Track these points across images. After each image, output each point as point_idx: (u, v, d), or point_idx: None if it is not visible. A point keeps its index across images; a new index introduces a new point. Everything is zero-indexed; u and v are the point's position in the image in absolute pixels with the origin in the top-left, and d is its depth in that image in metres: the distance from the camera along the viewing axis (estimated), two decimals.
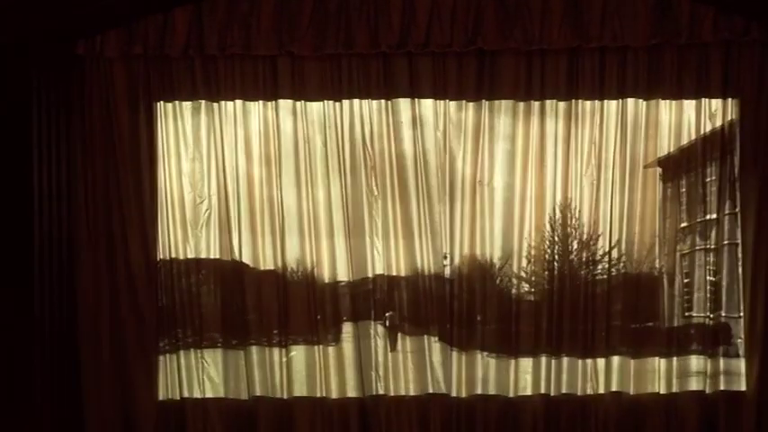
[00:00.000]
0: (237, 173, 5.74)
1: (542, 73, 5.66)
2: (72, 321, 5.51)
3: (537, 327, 5.69)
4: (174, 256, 5.74)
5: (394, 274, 5.75)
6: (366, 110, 5.73)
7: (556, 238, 5.77)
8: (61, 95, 5.49)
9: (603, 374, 5.67)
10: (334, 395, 5.71)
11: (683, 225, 5.83)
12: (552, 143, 5.72)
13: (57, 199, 5.38)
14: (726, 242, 5.74)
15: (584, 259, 5.76)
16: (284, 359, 5.72)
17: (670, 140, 5.76)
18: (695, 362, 5.72)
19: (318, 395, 5.70)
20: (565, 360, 5.67)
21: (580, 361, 5.68)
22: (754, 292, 5.60)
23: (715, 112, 5.73)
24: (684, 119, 5.74)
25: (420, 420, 5.68)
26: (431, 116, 5.74)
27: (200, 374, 5.74)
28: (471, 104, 5.72)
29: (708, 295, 5.74)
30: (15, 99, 5.12)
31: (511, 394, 5.70)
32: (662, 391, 5.66)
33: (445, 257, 5.74)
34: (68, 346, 5.48)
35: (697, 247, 5.79)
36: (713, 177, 5.75)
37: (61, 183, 5.44)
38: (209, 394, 5.74)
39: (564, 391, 5.67)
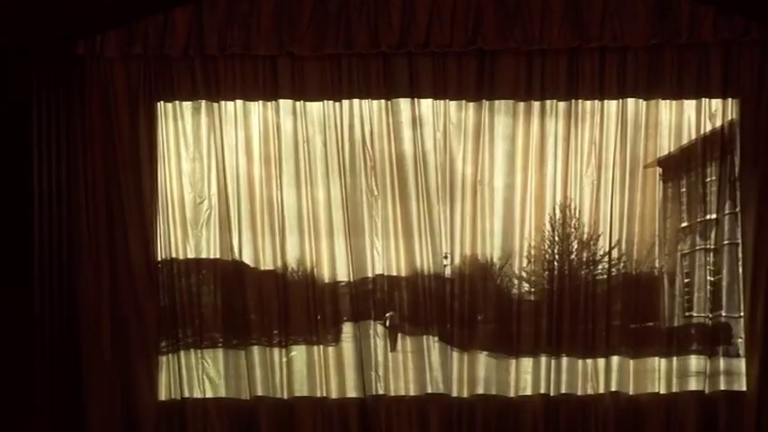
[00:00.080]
0: (237, 173, 5.74)
1: (542, 73, 5.66)
2: (72, 321, 5.51)
3: (537, 327, 5.69)
4: (174, 256, 5.74)
5: (394, 274, 5.75)
6: (366, 110, 5.73)
7: (556, 238, 5.77)
8: (61, 95, 5.49)
9: (603, 374, 5.67)
10: (334, 395, 5.70)
11: (684, 225, 5.83)
12: (552, 143, 5.72)
13: (57, 199, 5.38)
14: (726, 242, 5.74)
15: (584, 259, 5.76)
16: (284, 359, 5.72)
17: (670, 140, 5.76)
18: (695, 362, 5.72)
19: (318, 395, 5.70)
20: (565, 360, 5.67)
21: (580, 361, 5.68)
22: (754, 291, 5.60)
23: (715, 112, 5.73)
24: (684, 119, 5.74)
25: (420, 420, 5.68)
26: (431, 116, 5.73)
27: (200, 374, 5.74)
28: (471, 104, 5.72)
29: (708, 295, 5.73)
30: (15, 99, 5.12)
31: (511, 394, 5.69)
32: (662, 391, 5.66)
33: (445, 257, 5.74)
34: (68, 346, 5.47)
35: (697, 247, 5.78)
36: (713, 177, 5.75)
37: (61, 183, 5.44)
38: (209, 394, 5.74)
39: (564, 391, 5.67)
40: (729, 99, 5.70)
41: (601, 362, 5.68)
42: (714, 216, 5.73)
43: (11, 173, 5.09)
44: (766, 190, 5.59)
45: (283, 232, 5.72)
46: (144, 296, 5.66)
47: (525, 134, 5.73)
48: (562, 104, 5.70)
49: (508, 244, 5.75)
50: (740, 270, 5.68)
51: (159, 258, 5.72)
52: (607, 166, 5.72)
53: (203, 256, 5.78)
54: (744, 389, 5.66)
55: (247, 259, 5.74)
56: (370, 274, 5.75)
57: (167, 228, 5.73)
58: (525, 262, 5.77)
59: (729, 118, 5.72)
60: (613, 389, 5.66)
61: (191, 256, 5.76)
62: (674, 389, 5.67)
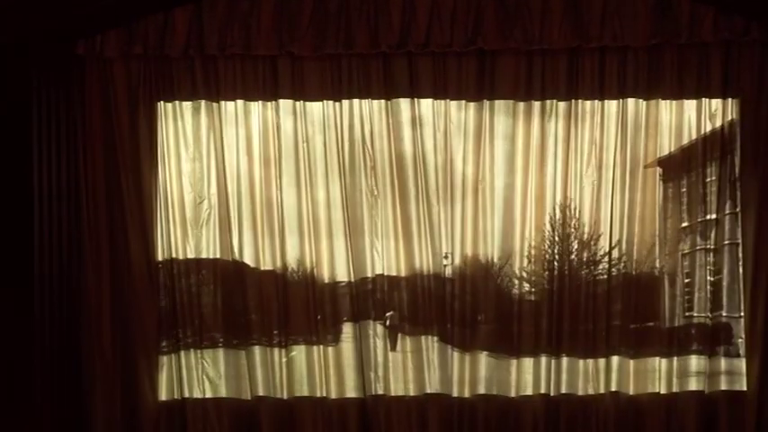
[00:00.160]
0: (237, 173, 5.74)
1: (542, 73, 5.66)
2: (72, 321, 5.50)
3: (537, 327, 5.69)
4: (174, 256, 5.73)
5: (394, 274, 5.75)
6: (366, 110, 5.73)
7: (556, 238, 5.77)
8: (61, 95, 5.49)
9: (604, 374, 5.66)
10: (333, 395, 5.70)
11: (684, 225, 5.83)
12: (552, 143, 5.72)
13: (57, 199, 5.37)
14: (726, 242, 5.74)
15: (584, 259, 5.75)
16: (284, 359, 5.72)
17: (670, 140, 5.76)
18: (695, 362, 5.71)
19: (318, 395, 5.69)
20: (565, 360, 5.67)
21: (581, 361, 5.68)
22: (754, 291, 5.60)
23: (715, 112, 5.73)
24: (684, 119, 5.74)
25: (420, 420, 5.68)
26: (431, 116, 5.73)
27: (200, 374, 5.74)
28: (471, 104, 5.72)
29: (708, 295, 5.73)
30: (15, 99, 5.12)
31: (511, 394, 5.69)
32: (662, 391, 5.66)
33: (446, 257, 5.74)
34: (68, 346, 5.47)
35: (697, 247, 5.78)
36: (713, 177, 5.74)
37: (61, 183, 5.43)
38: (209, 394, 5.74)
39: (564, 391, 5.67)
40: (729, 99, 5.70)
41: (601, 362, 5.67)
42: (714, 216, 5.73)
43: (11, 173, 5.09)
44: (766, 190, 5.59)
45: (283, 232, 5.72)
46: (144, 296, 5.66)
47: (525, 134, 5.73)
48: (562, 104, 5.70)
49: (508, 244, 5.75)
50: (740, 270, 5.68)
51: (159, 258, 5.72)
52: (607, 166, 5.72)
53: (203, 256, 5.78)
54: (744, 389, 5.66)
55: (247, 259, 5.74)
56: (369, 275, 5.75)
57: (167, 228, 5.73)
58: (525, 262, 5.77)
59: (729, 118, 5.72)
60: (614, 389, 5.66)
61: (191, 256, 5.76)
62: (675, 389, 5.67)
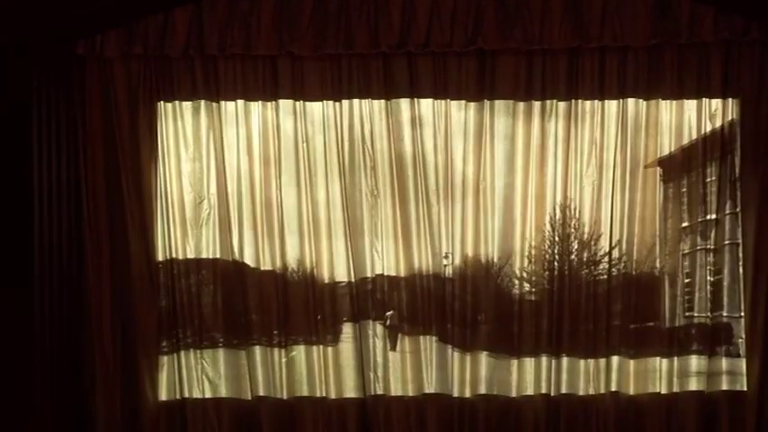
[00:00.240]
0: (237, 173, 5.74)
1: (542, 73, 5.66)
2: (72, 321, 5.50)
3: (538, 327, 5.69)
4: (174, 256, 5.74)
5: (394, 274, 5.75)
6: (366, 110, 5.73)
7: (556, 238, 5.77)
8: (61, 95, 5.49)
9: (604, 374, 5.66)
10: (333, 395, 5.70)
11: (684, 225, 5.83)
12: (552, 143, 5.72)
13: (57, 199, 5.38)
14: (726, 242, 5.74)
15: (584, 259, 5.76)
16: (284, 359, 5.72)
17: (670, 140, 5.76)
18: (696, 362, 5.72)
19: (318, 395, 5.69)
20: (565, 360, 5.67)
21: (581, 361, 5.68)
22: (754, 291, 5.60)
23: (715, 112, 5.73)
24: (685, 119, 5.74)
25: (420, 421, 5.67)
26: (431, 116, 5.74)
27: (200, 375, 5.74)
28: (471, 104, 5.72)
29: (708, 295, 5.73)
30: (15, 99, 5.12)
31: (512, 394, 5.69)
32: (663, 391, 5.66)
33: (446, 257, 5.73)
34: (68, 346, 5.47)
35: (698, 247, 5.78)
36: (713, 177, 5.74)
37: (61, 183, 5.43)
38: (209, 394, 5.73)
39: (565, 391, 5.67)
40: (729, 99, 5.70)
41: (602, 362, 5.67)
42: (714, 216, 5.73)
43: (11, 173, 5.09)
44: (766, 190, 5.59)
45: (283, 232, 5.72)
46: (144, 296, 5.66)
47: (525, 134, 5.73)
48: (562, 104, 5.70)
49: (508, 244, 5.75)
50: (741, 270, 5.68)
51: (159, 258, 5.72)
52: (607, 167, 5.72)
53: (203, 256, 5.78)
54: (744, 389, 5.66)
55: (247, 259, 5.74)
56: (369, 275, 5.75)
57: (167, 228, 5.73)
58: (526, 262, 5.77)
59: (729, 118, 5.72)
60: (614, 389, 5.66)
61: (191, 256, 5.76)
62: (675, 389, 5.67)
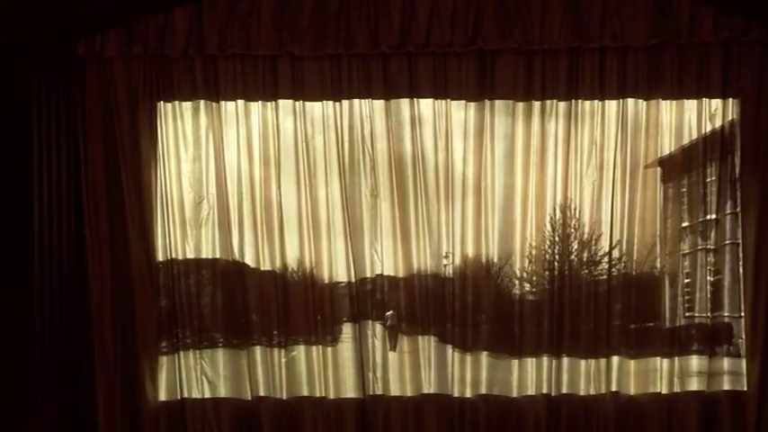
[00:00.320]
0: (237, 173, 5.74)
1: (542, 73, 5.66)
2: (72, 321, 5.50)
3: (538, 327, 5.69)
4: (174, 256, 5.74)
5: (394, 274, 5.75)
6: (366, 110, 5.73)
7: (556, 238, 5.77)
8: (61, 95, 5.49)
9: (605, 374, 5.66)
10: (333, 395, 5.69)
11: (684, 225, 5.83)
12: (552, 143, 5.72)
13: (57, 199, 5.38)
14: (727, 242, 5.74)
15: (584, 259, 5.76)
16: (284, 359, 5.71)
17: (670, 140, 5.76)
18: (696, 362, 5.72)
19: (318, 395, 5.69)
20: (566, 360, 5.67)
21: (582, 361, 5.68)
22: (755, 291, 5.60)
23: (715, 112, 5.73)
24: (685, 119, 5.74)
25: (419, 421, 5.67)
26: (431, 116, 5.74)
27: (199, 375, 5.74)
28: (471, 104, 5.72)
29: (709, 295, 5.72)
30: (15, 99, 5.12)
31: (512, 394, 5.68)
32: (663, 391, 5.66)
33: (446, 257, 5.73)
34: (68, 346, 5.46)
35: (698, 247, 5.78)
36: (714, 177, 5.74)
37: (61, 183, 5.43)
38: (209, 395, 5.73)
39: (565, 391, 5.66)
40: (729, 99, 5.70)
41: (602, 362, 5.67)
42: (714, 216, 5.73)
43: (11, 173, 5.09)
44: (766, 190, 5.58)
45: (283, 232, 5.72)
46: (144, 296, 5.66)
47: (525, 134, 5.73)
48: (562, 104, 5.70)
49: (508, 244, 5.75)
50: (741, 270, 5.68)
51: (159, 258, 5.72)
52: (607, 167, 5.72)
53: (203, 256, 5.78)
54: (745, 389, 5.66)
55: (247, 259, 5.74)
56: (369, 275, 5.75)
57: (167, 228, 5.73)
58: (526, 262, 5.77)
59: (730, 118, 5.71)
60: (614, 389, 5.66)
61: (190, 256, 5.77)
62: (676, 389, 5.66)
